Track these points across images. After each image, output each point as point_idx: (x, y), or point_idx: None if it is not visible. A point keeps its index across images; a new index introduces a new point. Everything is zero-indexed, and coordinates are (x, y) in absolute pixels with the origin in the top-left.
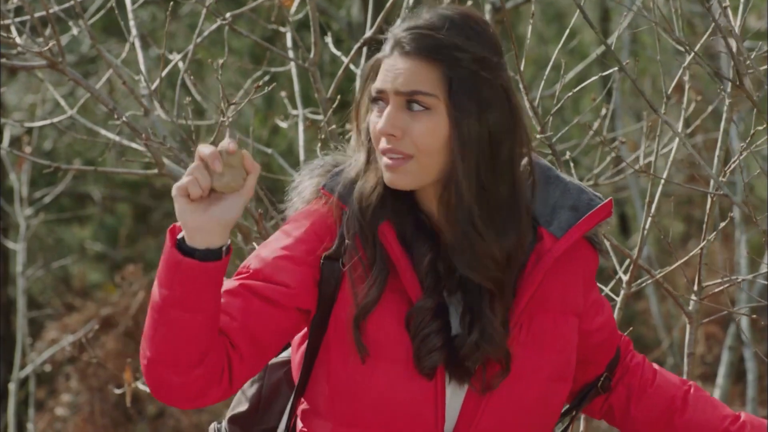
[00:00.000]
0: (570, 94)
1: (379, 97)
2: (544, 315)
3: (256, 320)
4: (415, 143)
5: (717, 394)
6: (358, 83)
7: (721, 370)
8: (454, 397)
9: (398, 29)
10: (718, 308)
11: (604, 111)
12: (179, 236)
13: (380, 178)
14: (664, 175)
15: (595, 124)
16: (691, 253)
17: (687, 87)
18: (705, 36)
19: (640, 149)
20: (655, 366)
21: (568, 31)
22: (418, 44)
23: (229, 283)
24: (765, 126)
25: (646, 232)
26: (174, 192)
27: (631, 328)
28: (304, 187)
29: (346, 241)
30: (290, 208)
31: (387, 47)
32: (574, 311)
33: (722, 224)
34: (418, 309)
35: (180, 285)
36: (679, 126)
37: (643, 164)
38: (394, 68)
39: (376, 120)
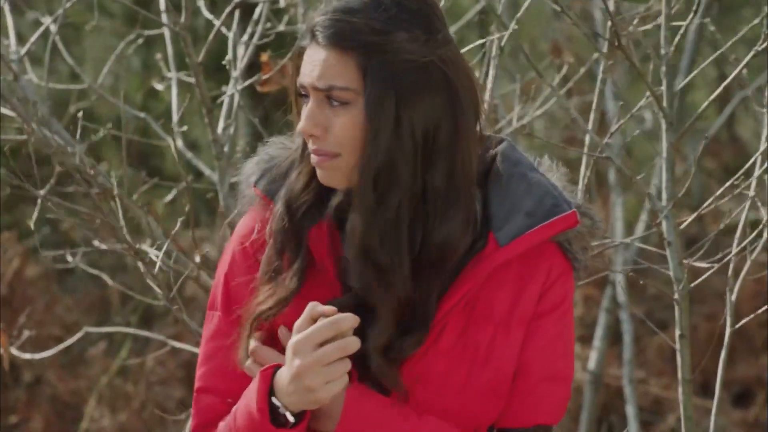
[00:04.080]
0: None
1: (303, 93)
2: (480, 326)
3: None
4: (338, 141)
5: (594, 356)
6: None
7: (598, 332)
8: None
9: (317, 13)
10: (592, 270)
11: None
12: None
13: (314, 175)
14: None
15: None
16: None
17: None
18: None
19: (513, 112)
20: None
21: None
22: (329, 32)
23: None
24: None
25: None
26: (340, 384)
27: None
28: (248, 184)
29: (267, 240)
30: (241, 203)
31: (306, 35)
32: (523, 321)
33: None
34: (334, 303)
35: None
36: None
37: (518, 127)
38: (311, 60)
39: (302, 116)
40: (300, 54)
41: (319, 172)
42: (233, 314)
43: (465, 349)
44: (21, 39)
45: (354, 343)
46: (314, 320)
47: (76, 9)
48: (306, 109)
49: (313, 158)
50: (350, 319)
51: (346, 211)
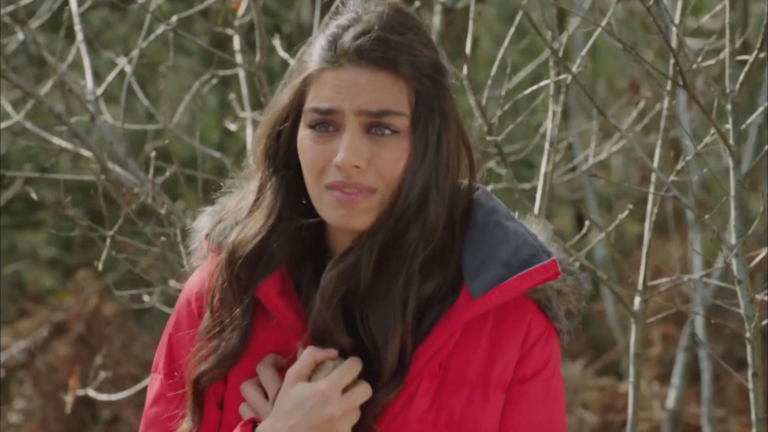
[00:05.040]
0: (519, 95)
1: (327, 120)
2: (454, 389)
3: None
4: (381, 174)
5: (672, 395)
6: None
7: (676, 371)
8: None
9: (340, 33)
10: (667, 307)
11: (552, 111)
12: None
13: (270, 222)
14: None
15: (544, 125)
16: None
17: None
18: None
19: (589, 149)
20: None
21: (512, 30)
22: (378, 51)
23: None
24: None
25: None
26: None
27: None
28: (199, 237)
29: (205, 299)
30: (193, 256)
31: (325, 56)
32: (502, 386)
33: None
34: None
35: None
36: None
37: (592, 165)
38: (350, 82)
39: (318, 148)
40: (306, 80)
41: (342, 212)
42: (176, 379)
43: (439, 415)
44: (97, 78)
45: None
46: (316, 365)
47: (152, 48)
48: (347, 138)
49: (336, 196)
50: (360, 361)
51: (307, 260)
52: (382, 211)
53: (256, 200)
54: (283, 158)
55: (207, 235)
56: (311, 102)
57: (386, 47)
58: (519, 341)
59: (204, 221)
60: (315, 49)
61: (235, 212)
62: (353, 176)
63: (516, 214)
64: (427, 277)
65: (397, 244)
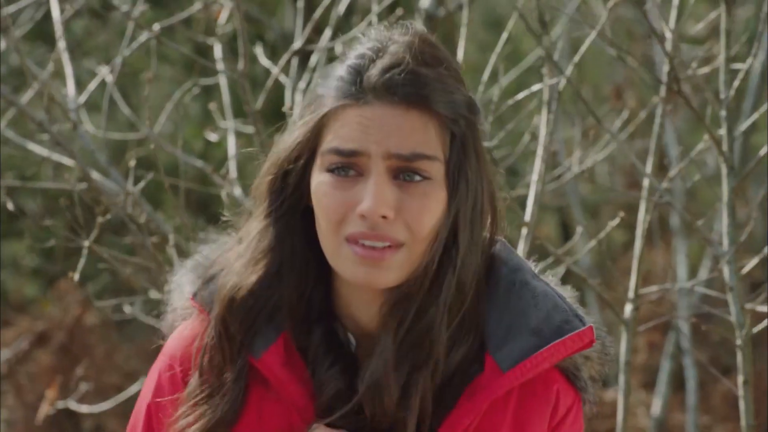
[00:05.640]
0: (510, 101)
1: (348, 163)
2: None
3: None
4: (410, 226)
5: (658, 402)
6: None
7: (661, 378)
8: None
9: (364, 64)
10: (654, 315)
11: (545, 117)
12: None
13: (270, 273)
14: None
15: (531, 130)
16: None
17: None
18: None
19: (573, 155)
20: None
21: (506, 36)
22: (412, 87)
23: None
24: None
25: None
26: None
27: None
28: (181, 295)
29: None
30: (171, 316)
31: (347, 91)
32: None
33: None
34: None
35: None
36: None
37: (579, 170)
38: (378, 121)
39: (338, 195)
40: (325, 117)
41: (365, 270)
42: None
43: None
44: (79, 86)
45: None
46: None
47: (134, 56)
48: (373, 184)
49: (356, 251)
50: None
51: (315, 320)
52: (417, 271)
53: (254, 247)
54: (288, 201)
55: (194, 294)
56: (331, 142)
57: (420, 83)
58: (546, 416)
59: (186, 276)
60: (332, 82)
61: (230, 264)
62: (379, 227)
63: (538, 270)
64: (454, 344)
65: (428, 307)
